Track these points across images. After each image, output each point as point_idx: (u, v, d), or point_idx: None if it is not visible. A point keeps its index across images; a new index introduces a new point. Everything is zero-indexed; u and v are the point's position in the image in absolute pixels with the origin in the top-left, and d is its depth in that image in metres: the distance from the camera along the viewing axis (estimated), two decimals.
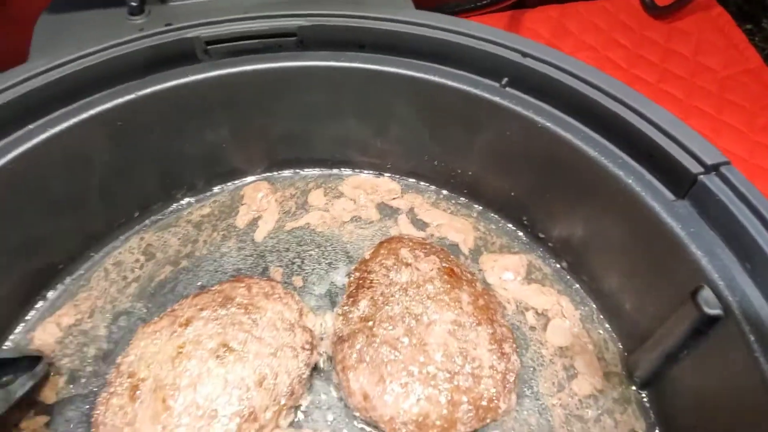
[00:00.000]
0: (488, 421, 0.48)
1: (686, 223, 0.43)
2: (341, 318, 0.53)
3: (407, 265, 0.55)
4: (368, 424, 0.49)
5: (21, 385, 0.49)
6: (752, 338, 0.39)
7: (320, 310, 0.56)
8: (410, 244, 0.58)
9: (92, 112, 0.53)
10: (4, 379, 0.48)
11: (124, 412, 0.47)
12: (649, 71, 0.92)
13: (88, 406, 0.50)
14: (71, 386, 0.52)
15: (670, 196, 0.45)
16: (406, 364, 0.48)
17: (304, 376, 0.50)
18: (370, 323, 0.51)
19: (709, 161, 0.43)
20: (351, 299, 0.54)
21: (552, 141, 0.51)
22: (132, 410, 0.47)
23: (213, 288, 0.56)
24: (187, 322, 0.51)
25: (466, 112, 0.56)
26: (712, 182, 0.43)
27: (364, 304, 0.53)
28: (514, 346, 0.52)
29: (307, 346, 0.52)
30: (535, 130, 0.52)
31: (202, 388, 0.47)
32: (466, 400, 0.47)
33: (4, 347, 0.55)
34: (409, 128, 0.61)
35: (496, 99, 0.53)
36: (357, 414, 0.49)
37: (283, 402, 0.48)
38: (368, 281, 0.54)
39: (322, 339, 0.54)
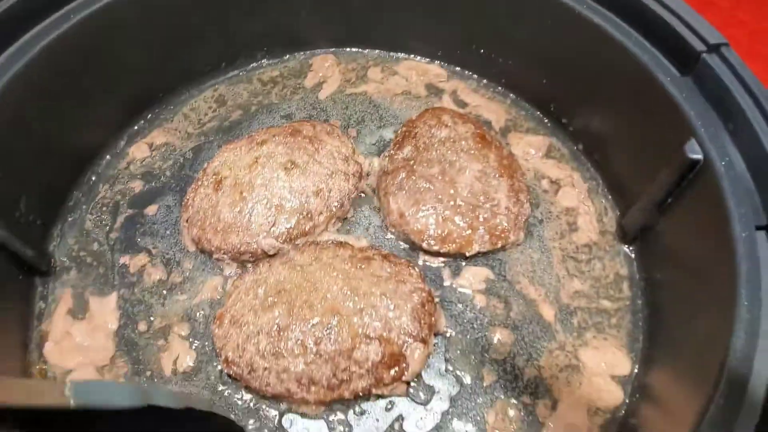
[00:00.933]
0: (498, 245, 0.58)
1: (687, 95, 0.52)
2: (387, 159, 0.64)
3: (447, 126, 0.65)
4: (399, 237, 0.59)
5: None
6: (724, 184, 0.48)
7: (369, 154, 0.66)
8: (451, 112, 0.67)
9: None
10: None
11: (209, 199, 0.59)
12: None
13: (178, 196, 0.62)
14: (162, 184, 0.64)
15: (676, 72, 0.54)
16: (438, 195, 0.59)
17: (352, 196, 0.61)
18: (411, 162, 0.61)
19: (711, 41, 0.51)
20: (396, 146, 0.64)
21: (586, 29, 0.60)
22: (216, 198, 0.58)
23: (284, 125, 0.67)
24: (262, 143, 0.62)
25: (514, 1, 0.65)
26: (713, 60, 0.51)
27: (407, 149, 0.63)
28: (529, 197, 0.62)
29: (357, 174, 0.62)
30: (573, 18, 0.60)
31: (271, 189, 0.58)
32: (483, 228, 0.58)
33: (108, 156, 0.68)
34: (462, 19, 0.70)
35: None
36: (392, 229, 0.60)
37: (333, 211, 0.59)
38: (413, 134, 0.65)
39: (368, 175, 0.64)
